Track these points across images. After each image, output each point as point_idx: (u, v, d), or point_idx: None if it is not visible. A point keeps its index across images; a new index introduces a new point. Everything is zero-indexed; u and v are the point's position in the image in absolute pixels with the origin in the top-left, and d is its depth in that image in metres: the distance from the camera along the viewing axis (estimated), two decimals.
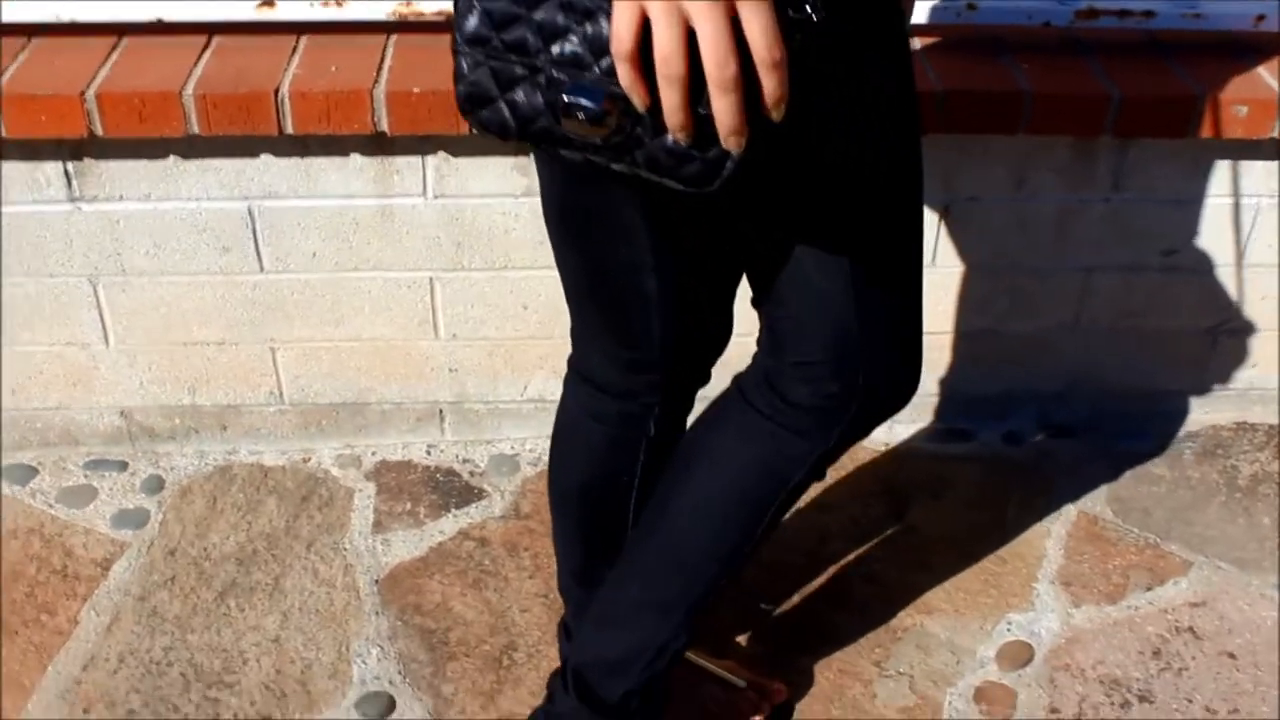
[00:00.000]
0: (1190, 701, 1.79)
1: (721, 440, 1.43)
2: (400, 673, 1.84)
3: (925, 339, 2.12)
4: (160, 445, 2.13)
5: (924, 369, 2.11)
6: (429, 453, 2.16)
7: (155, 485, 2.10)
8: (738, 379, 1.45)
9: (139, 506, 2.06)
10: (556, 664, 1.81)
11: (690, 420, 1.54)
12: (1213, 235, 2.01)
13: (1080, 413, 2.17)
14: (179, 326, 2.02)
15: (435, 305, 2.01)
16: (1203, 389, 2.16)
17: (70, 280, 1.96)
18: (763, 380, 1.40)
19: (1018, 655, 1.86)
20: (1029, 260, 2.02)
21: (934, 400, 2.16)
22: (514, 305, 2.01)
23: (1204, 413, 2.19)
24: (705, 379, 1.52)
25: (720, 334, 1.49)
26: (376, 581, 1.96)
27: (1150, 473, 2.12)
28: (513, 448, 2.16)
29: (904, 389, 1.39)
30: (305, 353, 2.06)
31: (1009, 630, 1.89)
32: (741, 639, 1.87)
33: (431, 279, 1.99)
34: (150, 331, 2.02)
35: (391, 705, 1.80)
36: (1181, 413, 2.18)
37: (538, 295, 2.00)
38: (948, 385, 2.15)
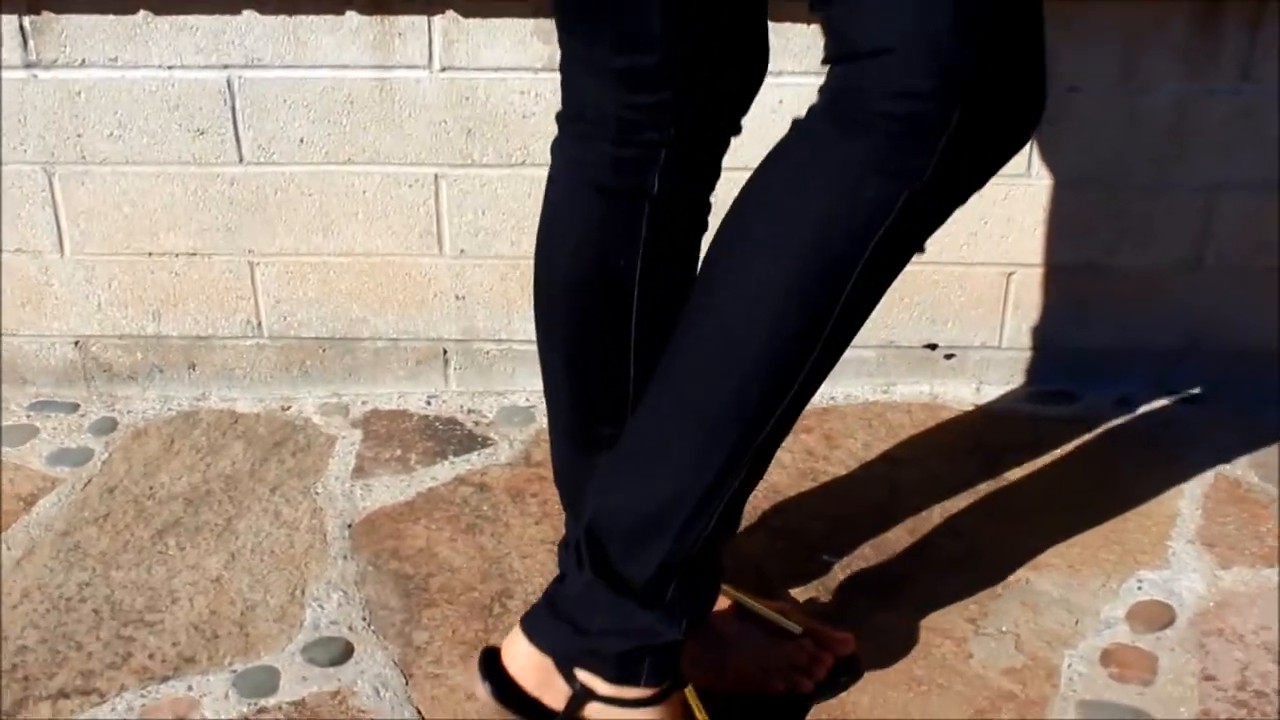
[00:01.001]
0: None
1: (779, 181, 0.97)
2: (365, 619, 1.38)
3: (1016, 275, 1.72)
4: (119, 387, 1.72)
5: (1016, 316, 1.70)
6: (429, 403, 1.74)
7: (106, 426, 1.68)
8: (796, 119, 1.05)
9: (83, 446, 1.64)
10: None
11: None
12: None
13: (1206, 376, 1.71)
14: (144, 231, 1.64)
15: (440, 211, 1.62)
16: None
17: (23, 169, 1.60)
18: (829, 98, 0.95)
19: (1155, 616, 1.36)
20: (1141, 172, 1.59)
21: (1027, 355, 1.70)
22: (532, 213, 1.61)
23: None
24: (731, 127, 1.09)
25: (747, 54, 1.07)
26: (349, 526, 1.50)
27: None
28: (528, 400, 1.72)
29: (1023, 95, 0.94)
30: (288, 270, 1.66)
31: (1140, 589, 1.39)
32: (796, 592, 1.41)
33: (436, 176, 1.60)
34: (111, 238, 1.64)
35: (348, 652, 1.33)
36: None
37: None
38: (1043, 337, 1.69)
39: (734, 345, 1.00)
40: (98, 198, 1.61)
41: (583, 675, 1.12)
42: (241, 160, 1.59)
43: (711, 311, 1.02)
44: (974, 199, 1.58)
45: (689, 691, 1.17)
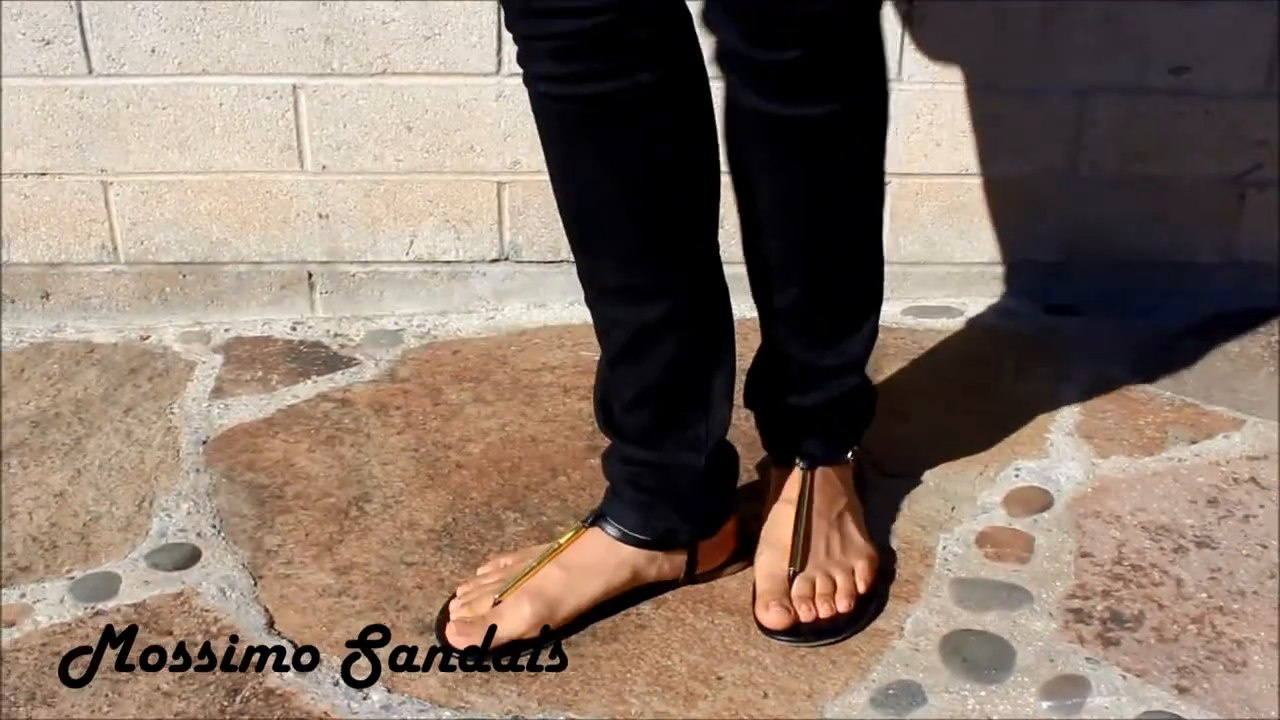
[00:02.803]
0: (1265, 547, 1.25)
1: None
2: (214, 527, 1.30)
3: (891, 184, 1.67)
4: None
5: (893, 228, 1.68)
6: (294, 329, 1.66)
7: None
8: None
9: None
10: (422, 515, 1.30)
11: None
12: (1235, 47, 1.57)
13: (1085, 287, 1.69)
14: None
15: (300, 124, 1.56)
16: (1233, 258, 1.69)
17: None
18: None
19: (1031, 501, 1.33)
20: (1012, 76, 1.59)
21: (908, 270, 1.67)
22: (395, 125, 1.56)
23: (1237, 287, 1.69)
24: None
25: None
26: (204, 442, 1.43)
27: (1179, 346, 1.61)
28: (396, 323, 1.65)
29: None
30: (144, 190, 1.59)
31: (1017, 476, 1.36)
32: None
33: (295, 87, 1.54)
34: None
35: (194, 557, 1.26)
36: (1209, 292, 1.69)
37: (423, 112, 1.55)
38: (922, 249, 1.65)
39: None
40: None
41: None
42: (91, 72, 1.52)
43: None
44: None
45: None
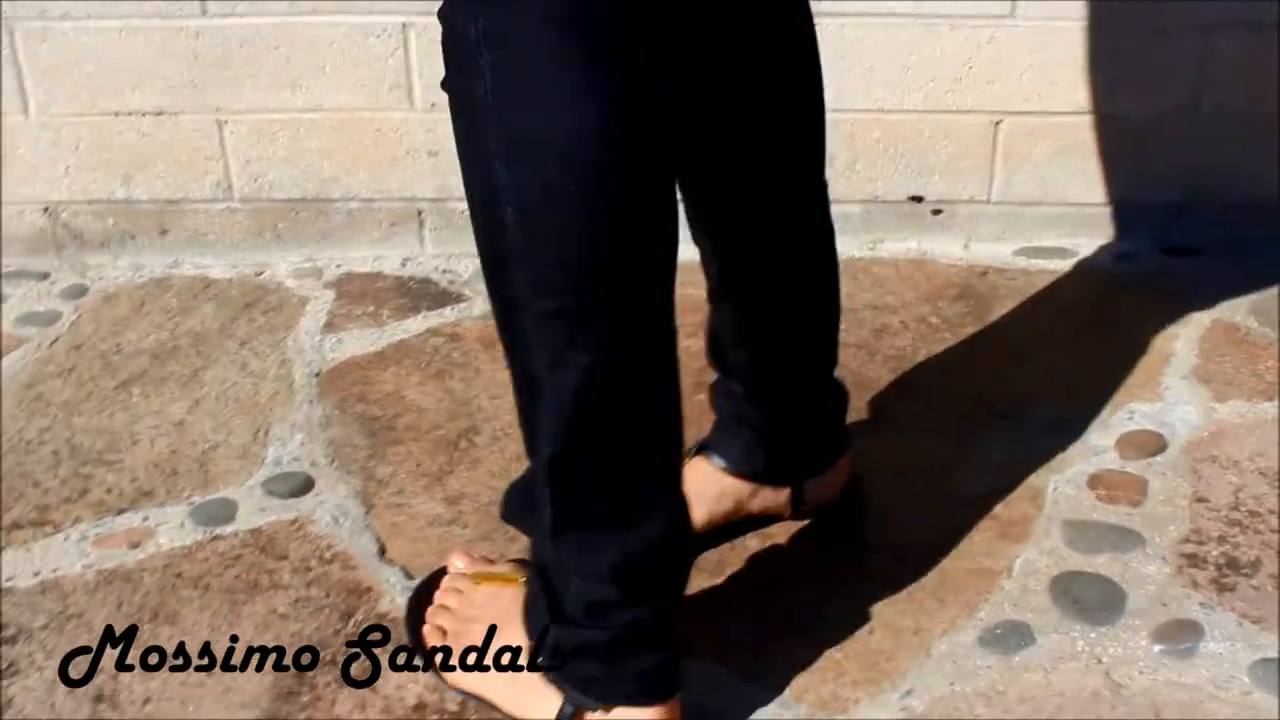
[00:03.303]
0: None
1: None
2: (328, 456, 1.33)
3: (1004, 123, 1.66)
4: (90, 255, 1.67)
5: (1006, 167, 1.65)
6: (404, 265, 1.69)
7: (77, 292, 1.63)
8: None
9: (51, 309, 1.60)
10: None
11: None
12: None
13: (1207, 230, 1.65)
14: (110, 90, 1.59)
15: (410, 62, 1.57)
16: None
17: None
18: None
19: (1146, 444, 1.30)
20: (1132, 12, 1.54)
21: (1021, 210, 1.64)
22: None
23: None
24: None
25: None
26: (317, 374, 1.46)
27: None
28: None
29: None
30: (257, 128, 1.61)
31: (1131, 420, 1.33)
32: None
33: (405, 25, 1.56)
34: (76, 97, 1.59)
35: (308, 486, 1.29)
36: None
37: None
38: (1036, 189, 1.62)
39: None
40: (60, 55, 1.57)
41: None
42: (205, 12, 1.55)
43: None
44: (956, 42, 1.54)
45: None
